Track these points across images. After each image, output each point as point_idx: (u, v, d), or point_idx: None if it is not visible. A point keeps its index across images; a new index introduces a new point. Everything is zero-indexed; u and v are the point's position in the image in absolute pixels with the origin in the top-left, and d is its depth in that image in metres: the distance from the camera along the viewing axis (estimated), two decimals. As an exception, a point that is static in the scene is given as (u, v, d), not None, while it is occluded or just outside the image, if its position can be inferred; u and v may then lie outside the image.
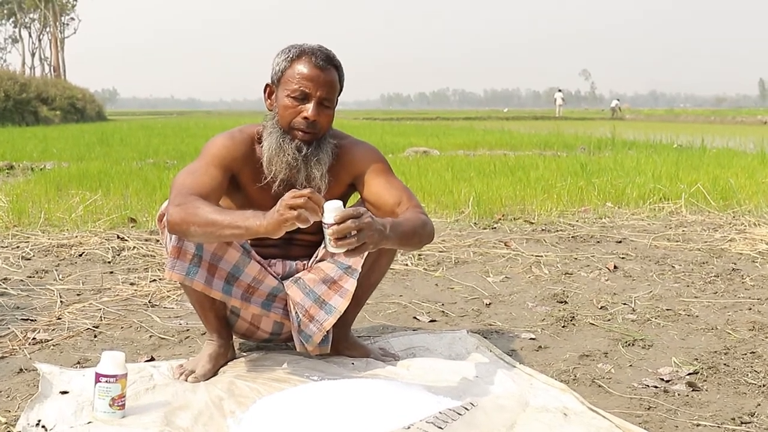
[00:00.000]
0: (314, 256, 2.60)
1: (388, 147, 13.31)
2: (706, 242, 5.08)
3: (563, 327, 3.14)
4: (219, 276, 2.42)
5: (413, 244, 2.35)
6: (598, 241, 5.12)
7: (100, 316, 3.21)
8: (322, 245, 2.39)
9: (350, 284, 2.47)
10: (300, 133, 2.39)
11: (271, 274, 2.54)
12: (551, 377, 2.53)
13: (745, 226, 5.71)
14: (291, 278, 2.57)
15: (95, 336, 2.95)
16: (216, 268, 2.41)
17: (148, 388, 2.33)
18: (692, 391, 2.43)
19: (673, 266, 4.32)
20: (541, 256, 4.57)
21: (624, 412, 2.26)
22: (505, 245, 4.90)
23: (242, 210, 2.54)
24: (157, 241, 4.93)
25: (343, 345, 2.70)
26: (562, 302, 3.54)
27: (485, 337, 2.98)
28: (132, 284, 3.78)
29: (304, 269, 2.59)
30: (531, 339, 2.98)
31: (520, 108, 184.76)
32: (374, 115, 53.82)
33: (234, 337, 2.71)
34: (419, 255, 4.54)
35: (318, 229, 2.65)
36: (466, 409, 2.08)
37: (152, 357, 2.70)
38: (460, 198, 6.87)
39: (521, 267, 4.30)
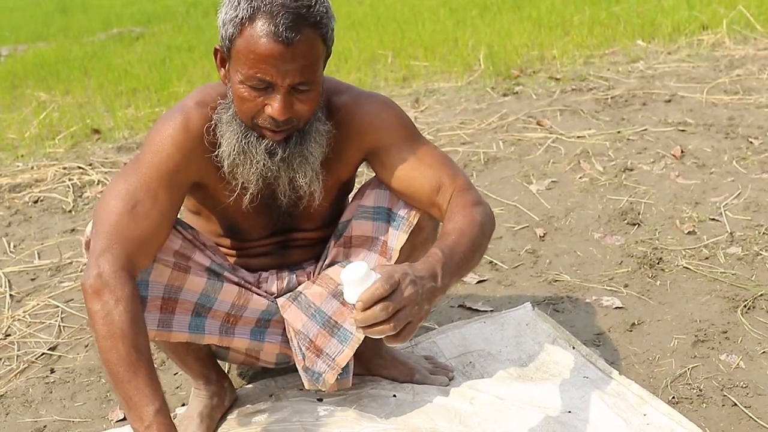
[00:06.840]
0: (322, 258, 1.85)
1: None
2: (771, 90, 4.29)
3: (652, 277, 2.43)
4: (182, 310, 1.68)
5: (475, 263, 1.56)
6: (644, 103, 4.30)
7: (58, 325, 2.52)
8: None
9: None
10: (269, 132, 1.54)
11: (260, 294, 1.79)
12: (668, 394, 1.86)
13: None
14: (288, 294, 1.82)
15: (52, 371, 2.26)
16: (176, 301, 1.67)
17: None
18: None
19: (749, 140, 3.55)
20: (585, 138, 3.80)
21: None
22: (538, 124, 4.11)
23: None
24: (125, 164, 4.16)
25: (378, 362, 2.01)
26: (634, 224, 2.82)
27: (557, 311, 2.30)
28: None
29: (308, 280, 1.85)
30: (617, 308, 2.29)
31: None
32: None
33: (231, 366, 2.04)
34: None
35: (325, 223, 1.90)
36: None
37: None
38: (467, 51, 5.97)
39: (567, 161, 3.53)
